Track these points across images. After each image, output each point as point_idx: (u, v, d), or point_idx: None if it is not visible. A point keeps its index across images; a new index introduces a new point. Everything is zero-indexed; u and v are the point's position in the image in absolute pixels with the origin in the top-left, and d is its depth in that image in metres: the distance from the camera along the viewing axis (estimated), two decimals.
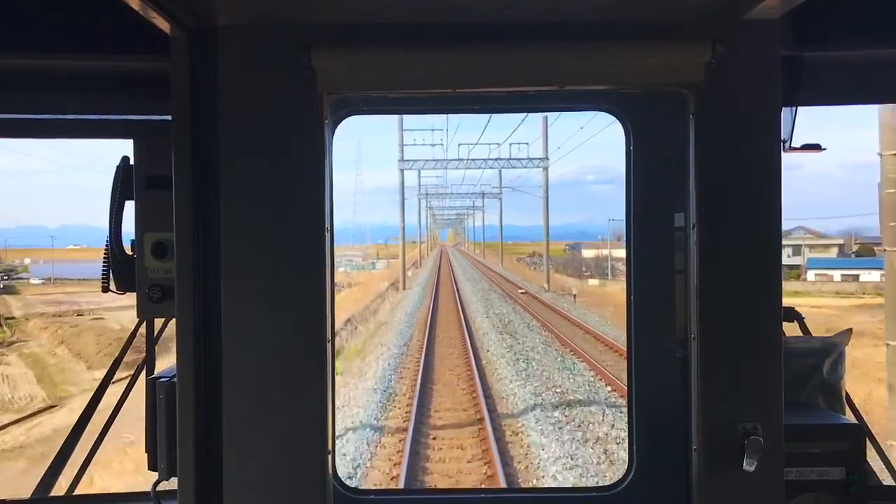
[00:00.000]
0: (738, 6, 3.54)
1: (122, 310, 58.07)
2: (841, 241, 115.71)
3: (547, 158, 68.76)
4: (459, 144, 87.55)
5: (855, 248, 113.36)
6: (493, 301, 53.86)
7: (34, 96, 4.23)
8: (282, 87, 3.70)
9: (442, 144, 75.69)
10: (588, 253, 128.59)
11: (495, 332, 36.74)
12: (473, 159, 69.44)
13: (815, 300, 67.51)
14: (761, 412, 3.68)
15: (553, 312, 45.38)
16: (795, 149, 4.15)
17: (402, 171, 73.05)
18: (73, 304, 72.43)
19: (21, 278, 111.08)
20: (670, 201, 4.09)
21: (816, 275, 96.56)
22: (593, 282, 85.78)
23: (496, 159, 69.30)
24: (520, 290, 62.79)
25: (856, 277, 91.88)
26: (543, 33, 3.66)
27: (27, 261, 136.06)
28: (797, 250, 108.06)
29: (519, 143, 69.61)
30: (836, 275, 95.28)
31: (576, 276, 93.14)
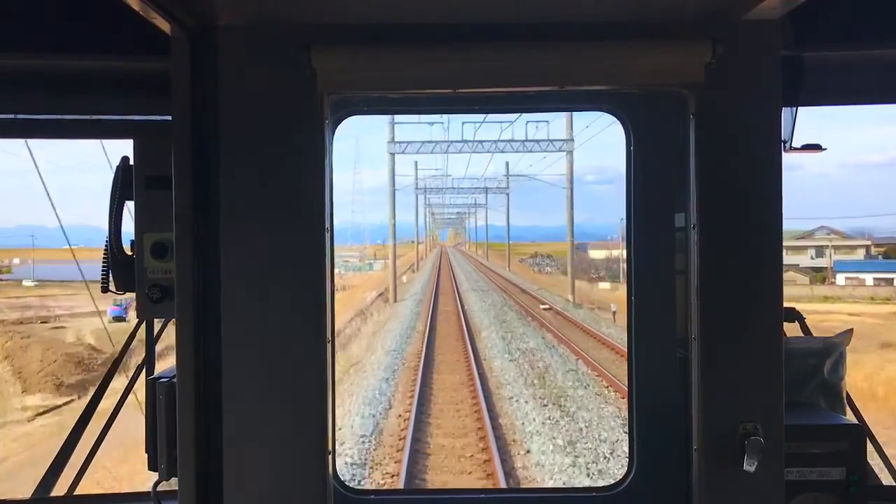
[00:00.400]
0: (738, 6, 3.74)
1: (91, 316, 53.45)
2: (868, 242, 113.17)
3: (572, 140, 58.43)
4: (463, 123, 60.78)
5: (880, 249, 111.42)
6: (513, 325, 41.67)
7: (34, 96, 4.45)
8: (282, 87, 3.90)
9: (442, 123, 60.53)
10: (596, 254, 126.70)
11: (532, 396, 23.01)
12: (480, 141, 58.62)
13: (849, 307, 65.23)
14: (762, 412, 3.88)
15: (607, 349, 31.97)
16: (795, 149, 4.40)
17: (392, 154, 61.96)
18: (44, 308, 70.20)
19: (2, 280, 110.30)
20: (670, 201, 4.32)
21: (847, 278, 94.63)
22: (604, 285, 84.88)
23: (508, 141, 58.33)
24: (542, 306, 52.34)
25: (889, 281, 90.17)
26: (543, 33, 3.86)
27: (16, 261, 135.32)
28: (820, 252, 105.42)
29: (537, 122, 57.05)
30: (868, 278, 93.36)
31: (585, 279, 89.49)
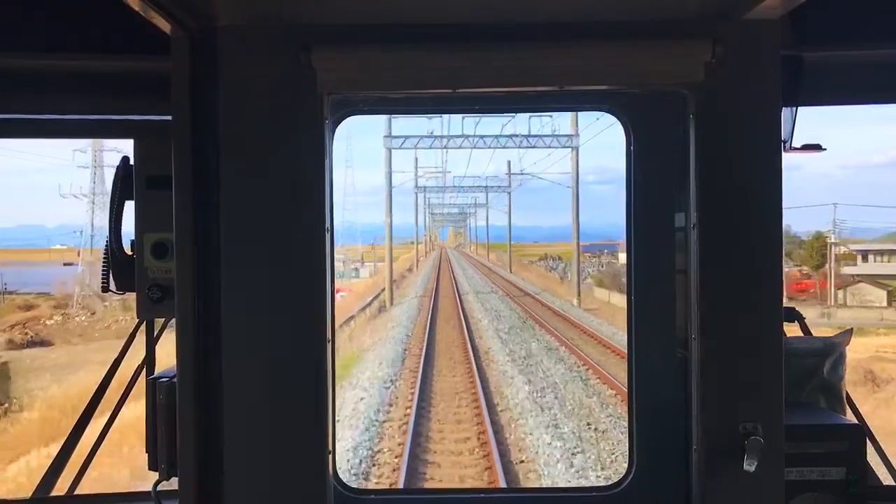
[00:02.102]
0: (738, 6, 3.78)
1: None
2: None
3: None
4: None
5: None
6: None
7: (35, 96, 4.49)
8: (282, 87, 3.94)
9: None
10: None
11: None
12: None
13: None
14: (762, 412, 3.92)
15: None
16: (795, 149, 4.46)
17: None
18: None
19: None
20: (670, 201, 4.35)
21: None
22: None
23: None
24: None
25: None
26: (543, 33, 3.91)
27: None
28: None
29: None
30: None
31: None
